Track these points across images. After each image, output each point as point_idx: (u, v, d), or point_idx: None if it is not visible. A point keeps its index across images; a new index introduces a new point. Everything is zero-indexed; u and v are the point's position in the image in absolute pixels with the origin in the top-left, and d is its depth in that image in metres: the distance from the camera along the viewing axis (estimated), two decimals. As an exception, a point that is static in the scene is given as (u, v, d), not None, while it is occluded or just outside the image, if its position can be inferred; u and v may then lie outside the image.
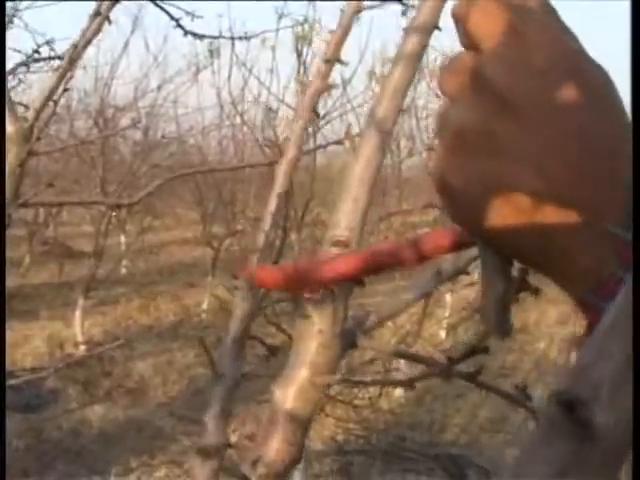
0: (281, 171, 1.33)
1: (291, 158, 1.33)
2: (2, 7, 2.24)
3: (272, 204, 1.29)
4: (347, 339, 1.06)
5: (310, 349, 1.01)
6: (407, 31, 1.05)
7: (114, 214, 8.87)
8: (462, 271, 1.14)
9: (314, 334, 1.01)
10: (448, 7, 1.15)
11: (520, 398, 1.03)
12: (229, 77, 5.92)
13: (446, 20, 1.14)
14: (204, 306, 9.66)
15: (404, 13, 1.21)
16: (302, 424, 1.02)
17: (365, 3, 1.36)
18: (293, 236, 5.16)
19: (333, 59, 1.34)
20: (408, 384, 1.00)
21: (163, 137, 9.96)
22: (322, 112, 5.67)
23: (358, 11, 1.34)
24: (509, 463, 0.44)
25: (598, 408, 0.40)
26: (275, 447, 1.01)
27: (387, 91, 1.05)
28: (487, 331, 0.92)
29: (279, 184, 1.31)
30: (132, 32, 8.97)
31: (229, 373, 1.24)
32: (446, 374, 0.91)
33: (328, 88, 1.35)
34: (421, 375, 0.98)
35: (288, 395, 1.02)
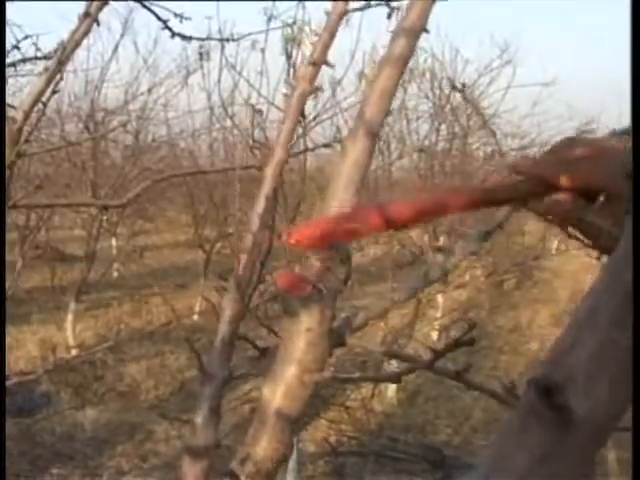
0: (269, 173, 1.33)
1: (278, 160, 1.33)
2: (2, 7, 2.24)
3: (260, 206, 1.29)
4: (335, 337, 1.07)
5: (298, 347, 1.02)
6: (395, 34, 1.06)
7: (105, 218, 8.84)
8: (447, 272, 1.15)
9: (302, 332, 1.02)
10: (436, 9, 1.16)
11: (506, 396, 1.04)
12: (219, 80, 5.89)
13: (434, 22, 1.16)
14: (196, 309, 9.65)
15: (389, 16, 1.21)
16: (290, 422, 1.03)
17: (351, 5, 1.37)
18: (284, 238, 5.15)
19: (320, 62, 1.35)
20: (395, 379, 1.01)
21: (154, 140, 9.93)
22: (312, 114, 5.67)
23: (344, 14, 1.35)
24: (489, 450, 0.45)
25: (574, 394, 0.41)
26: (264, 445, 1.02)
27: (375, 94, 1.06)
28: (472, 325, 0.93)
29: (267, 186, 1.32)
30: (122, 35, 8.91)
31: (218, 373, 1.25)
32: (431, 367, 0.91)
33: (314, 90, 1.36)
34: (407, 370, 0.99)
35: (276, 393, 1.02)
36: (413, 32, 1.04)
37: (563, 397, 0.41)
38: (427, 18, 1.05)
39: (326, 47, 1.36)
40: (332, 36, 1.36)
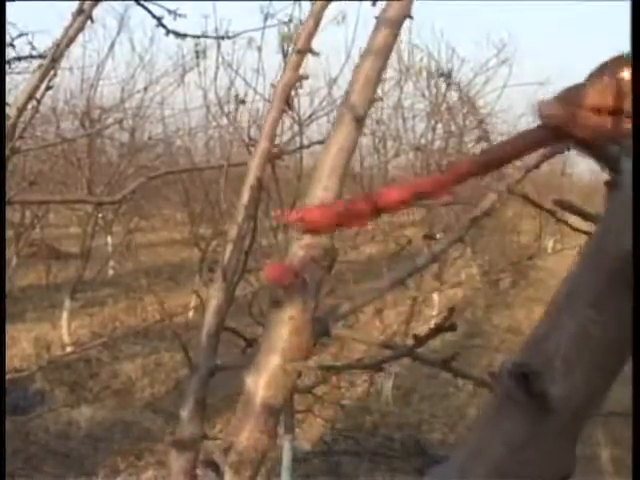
0: (253, 164, 1.32)
1: (263, 149, 1.33)
2: (2, 7, 2.24)
3: (245, 196, 1.29)
4: (319, 327, 1.06)
5: (281, 336, 1.02)
6: (377, 23, 1.06)
7: (101, 215, 8.83)
8: (435, 259, 1.14)
9: (285, 321, 1.01)
10: (432, 9, 1.15)
11: (493, 384, 1.03)
12: (215, 78, 5.90)
13: (417, 11, 1.15)
14: (191, 306, 9.64)
15: (374, 3, 1.21)
16: (274, 412, 1.03)
17: (336, -5, 1.36)
18: (280, 236, 5.15)
19: (304, 50, 1.34)
20: (377, 367, 1.01)
21: (150, 138, 9.93)
22: (308, 111, 5.67)
23: (328, 1, 1.34)
24: (466, 439, 0.44)
25: (552, 379, 0.40)
26: (247, 435, 1.01)
27: (358, 82, 1.06)
28: (451, 310, 0.93)
29: (251, 176, 1.31)
30: (118, 33, 8.93)
31: (203, 364, 1.24)
32: (412, 354, 0.90)
33: (299, 79, 1.35)
34: (389, 357, 0.99)
35: (260, 383, 1.02)
36: (395, 21, 1.04)
37: (540, 384, 0.41)
38: (410, 6, 1.05)
39: (311, 35, 1.35)
40: (317, 24, 1.36)
